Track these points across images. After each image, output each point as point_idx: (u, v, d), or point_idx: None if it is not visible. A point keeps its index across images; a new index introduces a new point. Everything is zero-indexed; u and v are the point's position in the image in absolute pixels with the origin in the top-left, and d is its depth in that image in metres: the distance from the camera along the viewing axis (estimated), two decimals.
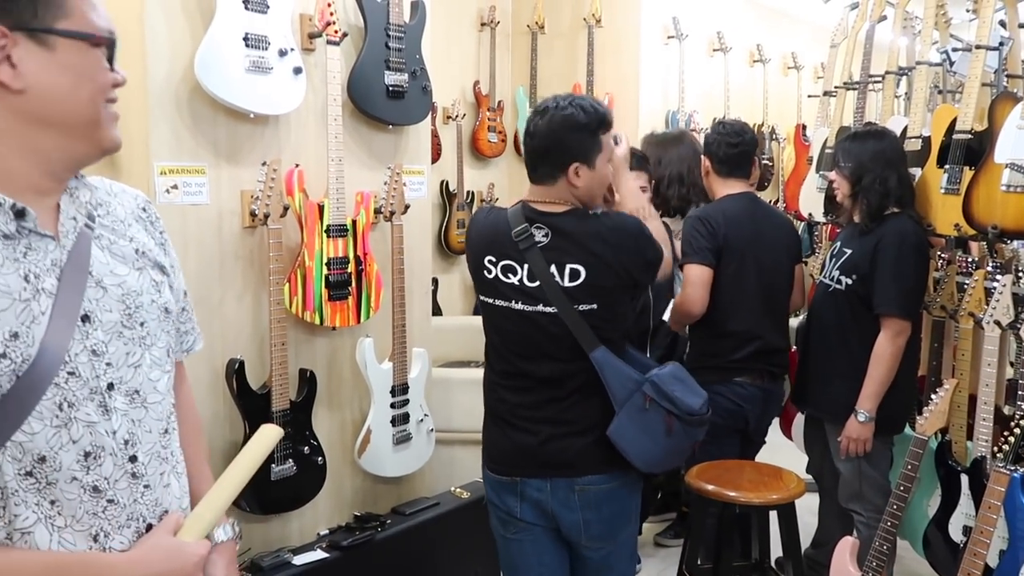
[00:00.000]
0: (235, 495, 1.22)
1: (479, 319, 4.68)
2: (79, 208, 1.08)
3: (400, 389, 2.92)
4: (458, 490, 3.12)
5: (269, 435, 1.25)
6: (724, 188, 3.11)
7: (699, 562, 2.46)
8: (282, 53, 2.49)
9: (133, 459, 1.10)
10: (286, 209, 2.56)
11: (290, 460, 2.61)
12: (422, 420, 3.02)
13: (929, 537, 2.79)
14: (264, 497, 2.58)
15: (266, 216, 2.48)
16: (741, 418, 3.03)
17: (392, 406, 2.92)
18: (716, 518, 2.76)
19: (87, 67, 1.04)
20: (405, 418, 2.96)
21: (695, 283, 2.94)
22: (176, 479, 1.20)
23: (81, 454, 1.03)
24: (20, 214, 1.01)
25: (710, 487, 2.27)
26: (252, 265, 2.60)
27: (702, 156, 3.20)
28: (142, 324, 1.12)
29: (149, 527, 1.12)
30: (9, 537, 1.00)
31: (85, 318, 1.05)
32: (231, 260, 2.56)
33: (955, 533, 2.68)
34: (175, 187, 2.40)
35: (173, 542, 1.11)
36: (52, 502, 1.02)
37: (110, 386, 1.07)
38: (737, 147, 3.07)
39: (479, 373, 3.88)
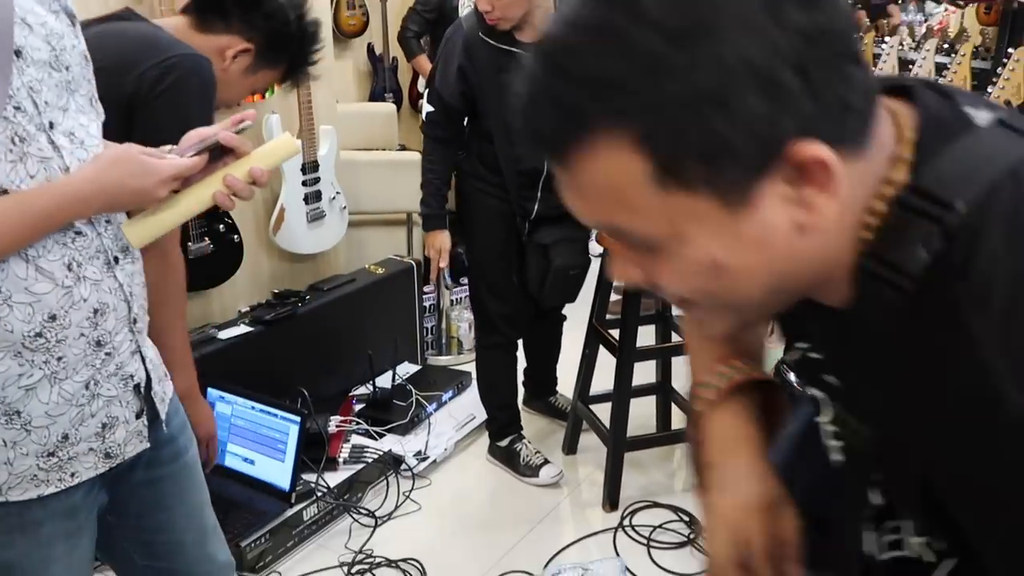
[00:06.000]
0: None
1: (376, 105, 4.56)
2: None
3: (311, 167, 2.91)
4: (372, 267, 3.20)
5: (288, 144, 1.21)
6: None
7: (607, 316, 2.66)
8: None
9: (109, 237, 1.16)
10: None
11: (206, 238, 2.61)
12: (334, 198, 3.04)
13: None
14: None
15: None
16: None
17: (304, 184, 2.91)
18: None
19: None
20: (317, 196, 2.97)
21: None
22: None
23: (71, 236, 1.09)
24: None
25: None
26: None
27: None
28: (67, 68, 1.10)
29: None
30: None
31: (18, 53, 1.02)
32: None
33: None
34: None
35: (137, 156, 1.11)
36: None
37: (51, 124, 1.06)
38: None
39: (384, 156, 3.90)
